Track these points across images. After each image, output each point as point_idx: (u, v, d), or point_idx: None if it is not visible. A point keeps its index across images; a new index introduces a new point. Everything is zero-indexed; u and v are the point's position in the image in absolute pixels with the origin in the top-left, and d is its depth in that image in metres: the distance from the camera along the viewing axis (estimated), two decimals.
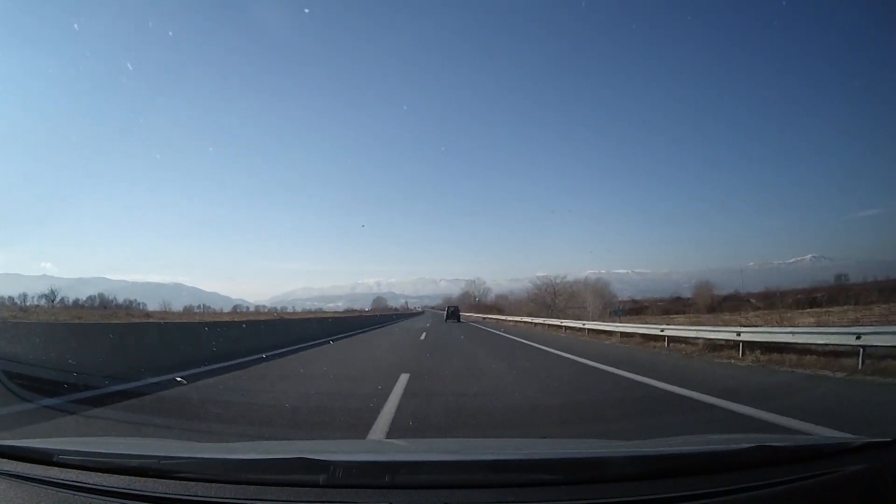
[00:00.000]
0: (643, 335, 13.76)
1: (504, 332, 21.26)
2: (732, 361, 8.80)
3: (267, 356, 9.19)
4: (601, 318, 24.44)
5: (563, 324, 21.73)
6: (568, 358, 9.84)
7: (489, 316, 45.27)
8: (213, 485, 1.30)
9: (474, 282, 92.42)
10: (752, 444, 1.47)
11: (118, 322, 12.53)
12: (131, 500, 1.29)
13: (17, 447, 1.55)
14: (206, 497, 1.27)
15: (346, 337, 17.20)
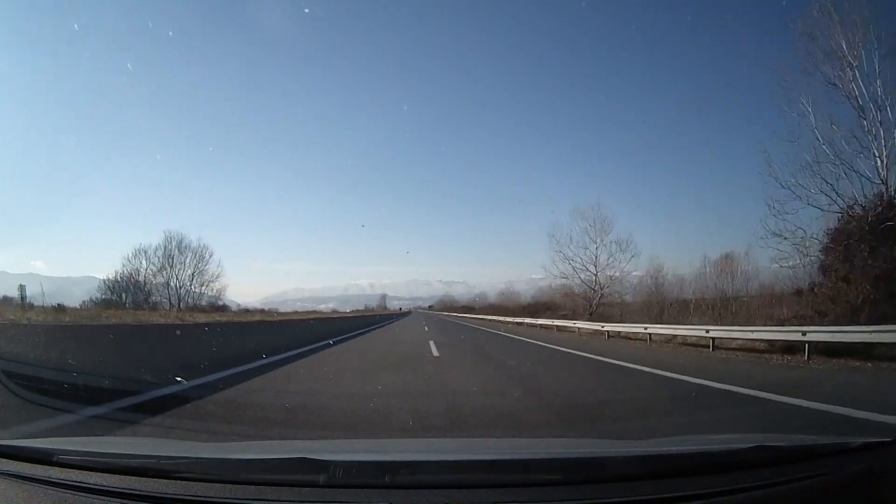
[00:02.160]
0: None
1: None
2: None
3: None
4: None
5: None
6: None
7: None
8: (213, 485, 1.30)
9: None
10: (752, 444, 1.47)
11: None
12: (131, 500, 1.29)
13: (17, 447, 1.55)
14: (206, 497, 1.27)
15: None
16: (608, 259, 27.95)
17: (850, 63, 10.65)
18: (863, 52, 10.57)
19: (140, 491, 1.30)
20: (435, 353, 10.45)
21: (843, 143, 10.95)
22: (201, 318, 17.99)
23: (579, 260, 28.64)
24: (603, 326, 17.22)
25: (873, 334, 7.75)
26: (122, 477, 1.36)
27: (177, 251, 39.47)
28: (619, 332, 16.12)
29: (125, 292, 37.38)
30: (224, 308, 39.00)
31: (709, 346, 10.95)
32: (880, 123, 10.41)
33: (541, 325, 24.01)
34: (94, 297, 35.82)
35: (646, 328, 14.28)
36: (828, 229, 10.91)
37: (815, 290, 10.91)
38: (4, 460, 1.48)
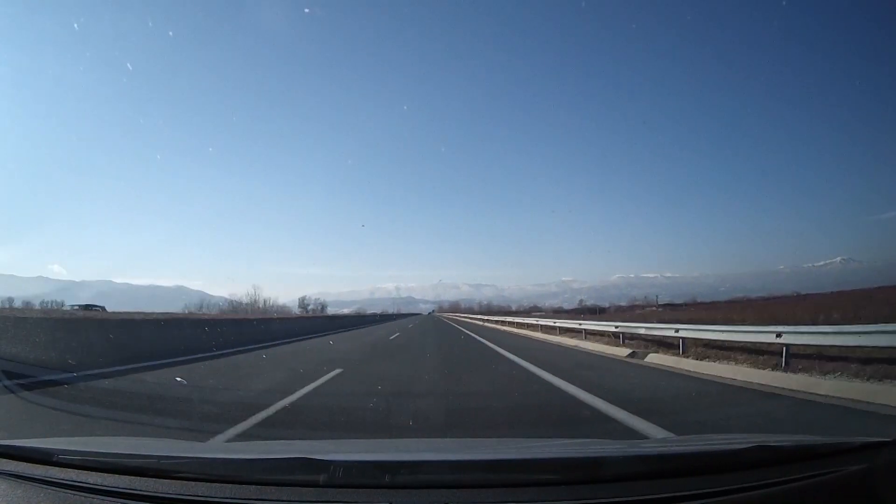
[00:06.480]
0: None
1: None
2: None
3: None
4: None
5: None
6: None
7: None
8: (213, 485, 1.30)
9: None
10: (752, 444, 1.47)
11: None
12: (131, 500, 1.29)
13: (17, 447, 1.55)
14: (206, 497, 1.27)
15: None
16: None
17: None
18: None
19: (140, 491, 1.30)
20: None
21: None
22: None
23: None
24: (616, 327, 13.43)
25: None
26: (122, 477, 1.36)
27: None
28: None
29: None
30: None
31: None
32: None
33: None
34: None
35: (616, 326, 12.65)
36: None
37: None
38: (4, 460, 1.48)
